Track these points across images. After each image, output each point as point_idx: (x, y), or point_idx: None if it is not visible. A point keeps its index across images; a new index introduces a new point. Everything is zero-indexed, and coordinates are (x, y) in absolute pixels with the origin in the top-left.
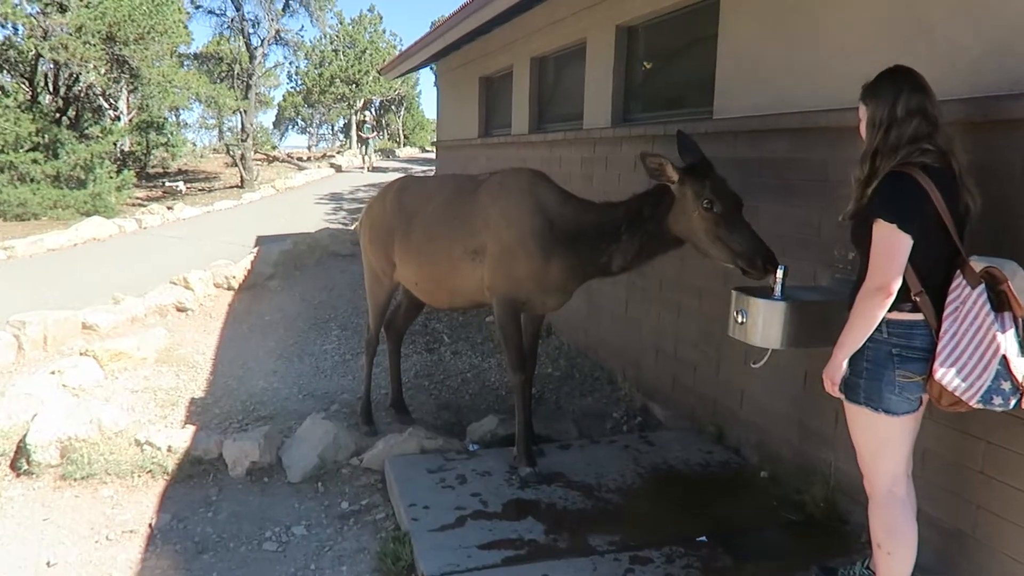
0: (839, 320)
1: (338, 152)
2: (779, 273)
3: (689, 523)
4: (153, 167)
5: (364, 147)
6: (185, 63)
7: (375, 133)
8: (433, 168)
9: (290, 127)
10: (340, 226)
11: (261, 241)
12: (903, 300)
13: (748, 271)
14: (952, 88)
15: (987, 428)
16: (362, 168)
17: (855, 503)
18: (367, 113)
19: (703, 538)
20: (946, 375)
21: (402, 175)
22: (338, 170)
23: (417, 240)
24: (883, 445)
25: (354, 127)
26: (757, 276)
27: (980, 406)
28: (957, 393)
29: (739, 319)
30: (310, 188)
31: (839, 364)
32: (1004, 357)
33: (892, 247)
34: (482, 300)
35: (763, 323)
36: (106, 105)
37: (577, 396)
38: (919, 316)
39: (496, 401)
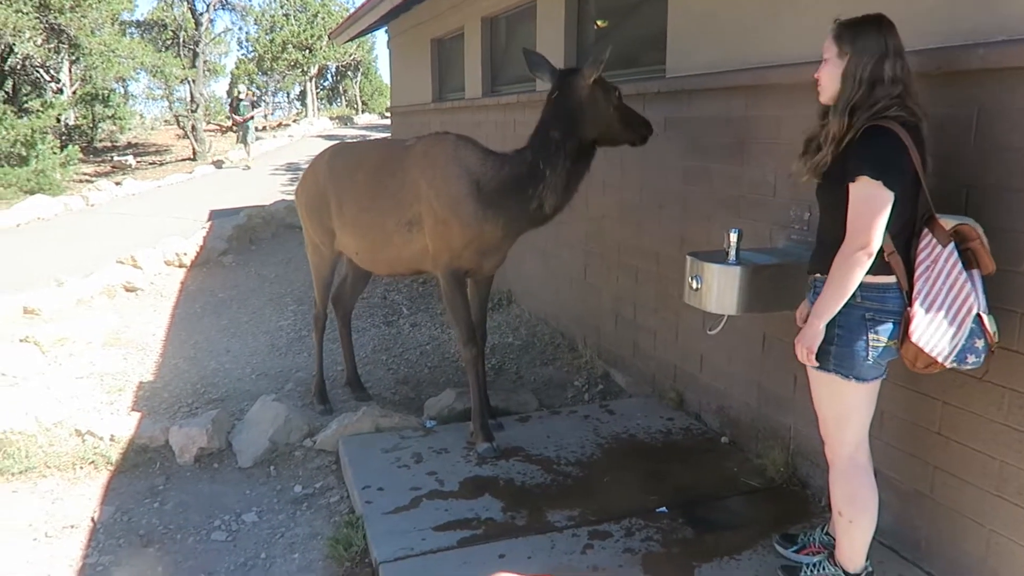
0: (796, 283)
1: (294, 121)
2: (733, 237)
3: (649, 494)
4: (101, 141)
5: (242, 133)
6: (129, 31)
7: (253, 114)
8: (389, 135)
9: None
10: None
11: (214, 215)
12: (876, 262)
13: (646, 139)
14: (907, 39)
15: (943, 389)
16: (245, 164)
17: (815, 466)
18: (240, 87)
19: (663, 509)
20: (922, 336)
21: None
22: (218, 166)
23: (350, 211)
24: (850, 413)
25: (236, 106)
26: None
27: (954, 366)
28: (933, 354)
29: (694, 285)
30: (265, 159)
31: (817, 331)
32: (978, 315)
33: (875, 206)
34: (421, 267)
35: (718, 289)
36: (47, 77)
37: (538, 365)
38: (891, 278)
39: (456, 373)
